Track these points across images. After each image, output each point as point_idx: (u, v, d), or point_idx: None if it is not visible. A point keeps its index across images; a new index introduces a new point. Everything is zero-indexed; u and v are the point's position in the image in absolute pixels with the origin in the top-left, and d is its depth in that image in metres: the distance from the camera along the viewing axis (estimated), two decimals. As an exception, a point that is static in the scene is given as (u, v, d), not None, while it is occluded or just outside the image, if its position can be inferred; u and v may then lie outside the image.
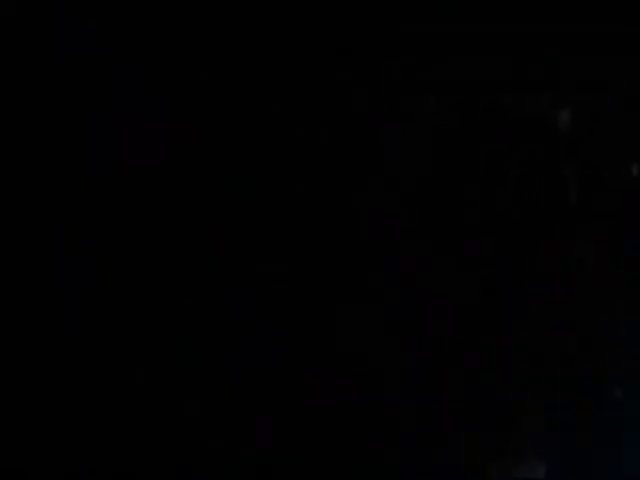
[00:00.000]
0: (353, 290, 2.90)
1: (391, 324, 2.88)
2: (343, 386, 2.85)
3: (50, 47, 2.87)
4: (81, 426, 2.82)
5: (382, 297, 2.90)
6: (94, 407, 2.82)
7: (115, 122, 2.90)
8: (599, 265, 2.89)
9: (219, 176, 2.92)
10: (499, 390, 2.85)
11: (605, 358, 2.85)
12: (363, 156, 2.93)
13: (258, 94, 2.94)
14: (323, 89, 2.93)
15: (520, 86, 2.94)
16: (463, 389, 2.84)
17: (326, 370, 2.86)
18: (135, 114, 2.90)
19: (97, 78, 2.89)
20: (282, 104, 2.94)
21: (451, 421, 2.83)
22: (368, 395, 2.85)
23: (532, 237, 2.92)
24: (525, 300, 2.89)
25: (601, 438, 2.78)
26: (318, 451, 2.82)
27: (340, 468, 2.82)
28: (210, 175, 2.92)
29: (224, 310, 2.87)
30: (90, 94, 2.90)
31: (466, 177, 2.94)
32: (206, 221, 2.91)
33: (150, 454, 2.81)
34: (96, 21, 2.86)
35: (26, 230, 2.86)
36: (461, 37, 2.92)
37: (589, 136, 2.93)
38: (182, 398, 2.83)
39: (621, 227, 2.89)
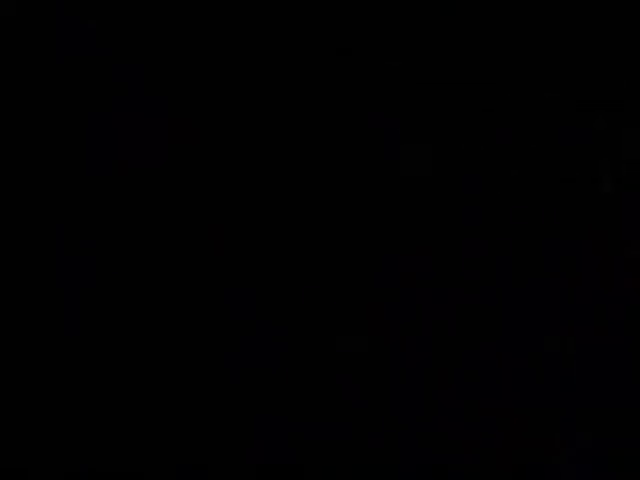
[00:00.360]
0: (353, 289, 2.90)
1: (391, 322, 2.88)
2: (342, 387, 2.85)
3: (50, 47, 2.87)
4: (81, 426, 2.82)
5: (382, 296, 2.90)
6: (94, 407, 2.83)
7: (115, 122, 2.90)
8: (599, 266, 2.88)
9: (220, 176, 2.92)
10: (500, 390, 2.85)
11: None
12: (364, 156, 2.93)
13: (259, 94, 2.94)
14: (323, 89, 2.93)
15: (521, 85, 2.94)
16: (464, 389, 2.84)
17: (324, 371, 2.87)
18: (135, 114, 2.90)
19: (97, 78, 2.89)
20: (282, 105, 2.93)
21: (452, 422, 2.83)
22: (367, 395, 2.85)
23: (533, 236, 2.92)
24: (526, 300, 2.89)
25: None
26: (318, 452, 2.82)
27: (340, 468, 2.82)
28: (211, 175, 2.92)
29: (223, 310, 2.87)
30: (90, 94, 2.90)
31: (466, 177, 2.94)
32: (206, 222, 2.90)
33: (149, 454, 2.81)
34: (96, 21, 2.86)
35: (26, 230, 2.87)
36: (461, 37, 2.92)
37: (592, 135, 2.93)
38: (181, 398, 2.84)
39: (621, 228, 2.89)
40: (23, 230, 2.86)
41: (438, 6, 2.90)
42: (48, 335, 2.83)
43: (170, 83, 2.91)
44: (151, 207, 2.89)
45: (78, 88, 2.89)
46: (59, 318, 2.83)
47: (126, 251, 2.87)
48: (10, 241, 2.85)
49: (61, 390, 2.82)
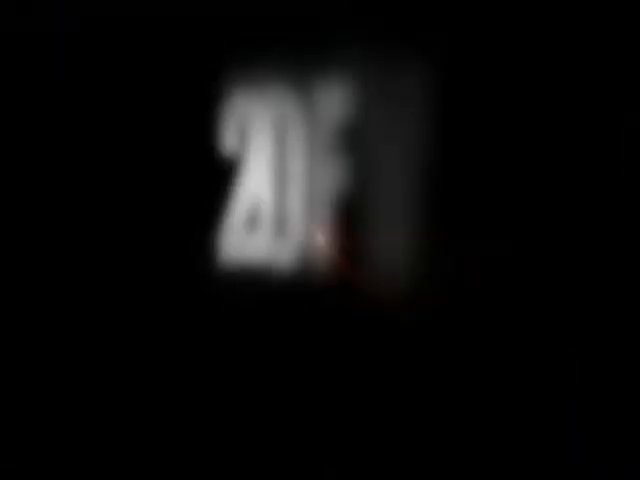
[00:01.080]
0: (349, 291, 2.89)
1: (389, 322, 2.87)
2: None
3: (50, 47, 2.89)
4: (80, 427, 2.84)
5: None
6: (92, 408, 2.84)
7: (114, 122, 2.92)
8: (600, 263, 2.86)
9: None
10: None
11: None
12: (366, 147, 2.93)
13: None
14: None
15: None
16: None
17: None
18: (134, 114, 2.91)
19: (96, 77, 2.91)
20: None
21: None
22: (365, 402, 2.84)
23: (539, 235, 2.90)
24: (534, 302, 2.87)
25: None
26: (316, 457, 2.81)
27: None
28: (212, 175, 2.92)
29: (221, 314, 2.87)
30: (90, 94, 2.92)
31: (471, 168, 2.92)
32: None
33: (147, 456, 2.82)
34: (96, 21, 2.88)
35: (25, 230, 2.89)
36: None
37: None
38: (178, 401, 2.84)
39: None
40: (22, 230, 2.89)
41: None
42: (47, 335, 2.85)
43: (169, 83, 2.92)
44: (157, 209, 2.90)
45: (78, 88, 2.91)
46: (57, 317, 2.85)
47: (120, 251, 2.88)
48: (9, 241, 2.88)
49: (59, 391, 2.84)
